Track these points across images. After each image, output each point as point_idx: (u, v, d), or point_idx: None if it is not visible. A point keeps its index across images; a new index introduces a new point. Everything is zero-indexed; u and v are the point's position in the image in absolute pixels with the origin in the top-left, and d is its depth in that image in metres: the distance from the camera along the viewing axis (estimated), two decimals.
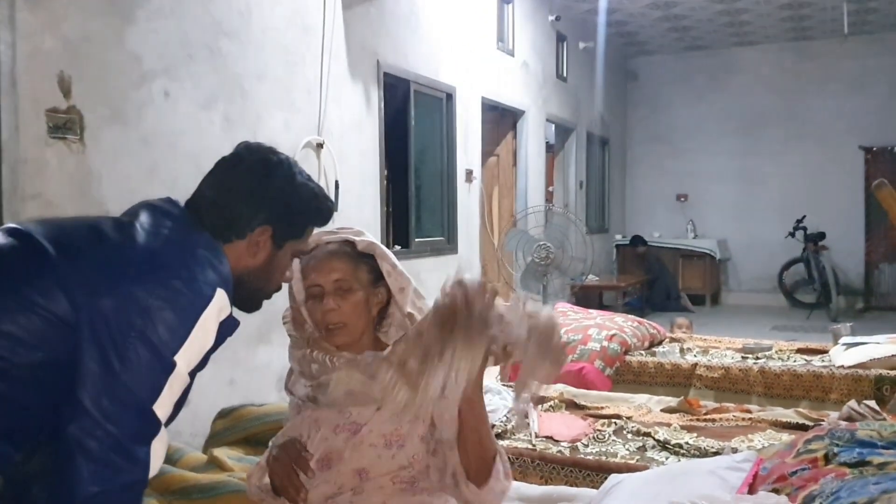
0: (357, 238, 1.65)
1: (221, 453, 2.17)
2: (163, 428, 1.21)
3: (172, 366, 1.20)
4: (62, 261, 1.21)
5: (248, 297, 1.44)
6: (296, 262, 1.59)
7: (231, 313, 1.32)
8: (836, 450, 1.55)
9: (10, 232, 1.26)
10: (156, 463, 1.20)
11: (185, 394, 1.28)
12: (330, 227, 1.62)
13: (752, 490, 1.67)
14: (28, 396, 1.17)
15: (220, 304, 1.27)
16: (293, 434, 1.65)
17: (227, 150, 1.49)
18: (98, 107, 2.94)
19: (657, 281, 9.59)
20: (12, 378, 1.15)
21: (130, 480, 1.16)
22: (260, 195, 1.40)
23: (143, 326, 1.17)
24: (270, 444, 1.68)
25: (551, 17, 7.86)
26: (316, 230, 1.59)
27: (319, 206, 1.49)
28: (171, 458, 2.19)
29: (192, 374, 1.26)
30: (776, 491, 1.54)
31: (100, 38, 2.95)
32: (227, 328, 1.31)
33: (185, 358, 1.22)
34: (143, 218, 1.32)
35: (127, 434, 1.15)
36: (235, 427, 2.37)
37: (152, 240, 1.28)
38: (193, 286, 1.24)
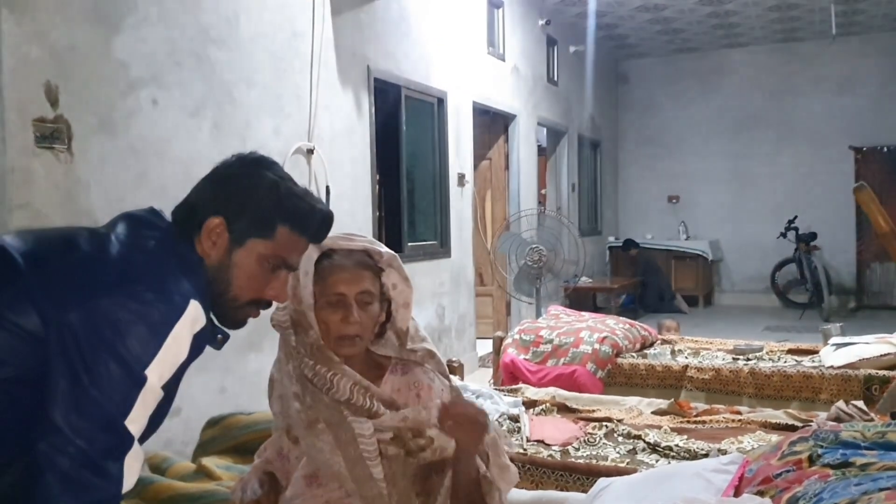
0: (380, 249, 1.63)
1: (210, 462, 2.17)
2: (136, 443, 1.18)
3: (143, 380, 1.16)
4: (32, 274, 1.18)
5: (218, 303, 1.35)
6: (308, 266, 1.54)
7: (208, 323, 1.29)
8: (819, 451, 1.56)
9: None
10: (129, 479, 1.17)
11: (164, 408, 1.25)
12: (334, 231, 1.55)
13: (737, 492, 1.68)
14: (0, 412, 1.15)
15: (193, 316, 1.23)
16: (282, 445, 1.66)
17: (216, 157, 1.45)
18: (85, 116, 2.94)
19: (650, 282, 9.61)
20: None
21: (102, 497, 1.13)
22: (214, 186, 1.36)
23: (112, 340, 1.14)
24: (256, 457, 1.67)
25: (541, 22, 7.88)
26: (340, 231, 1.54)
27: (296, 207, 1.36)
28: (159, 468, 2.19)
29: (167, 388, 1.23)
30: (761, 493, 1.55)
31: (87, 47, 2.95)
32: (202, 339, 1.28)
33: (157, 371, 1.18)
34: (119, 229, 1.29)
35: (98, 450, 1.12)
36: (225, 436, 2.36)
37: (125, 250, 1.25)
38: (165, 298, 1.20)
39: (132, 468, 1.17)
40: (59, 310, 1.15)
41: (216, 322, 1.35)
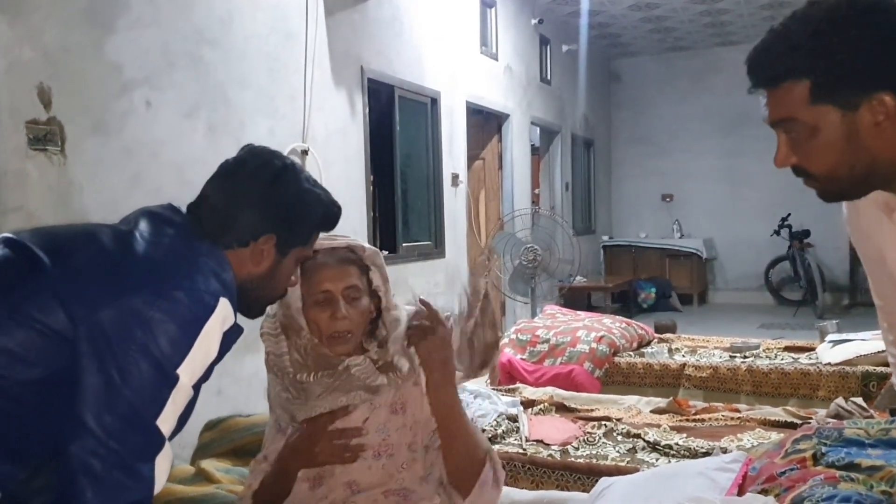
0: (363, 244, 1.63)
1: (209, 465, 2.15)
2: (167, 443, 1.17)
3: (175, 379, 1.15)
4: (59, 272, 1.16)
5: (251, 304, 1.40)
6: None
7: (235, 322, 1.28)
8: (823, 449, 1.55)
9: (5, 242, 1.21)
10: (161, 479, 1.16)
11: (191, 406, 1.24)
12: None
13: (741, 491, 1.67)
14: (28, 414, 1.13)
15: (223, 314, 1.23)
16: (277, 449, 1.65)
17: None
18: (79, 117, 2.92)
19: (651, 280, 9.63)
20: (11, 395, 1.11)
21: (135, 499, 1.12)
22: (264, 203, 1.36)
23: (144, 339, 1.13)
24: (251, 464, 1.65)
25: (534, 21, 7.88)
26: (334, 232, 1.56)
27: (326, 212, 1.44)
28: None
29: (197, 387, 1.23)
30: (765, 492, 1.55)
31: (80, 49, 2.93)
32: (231, 337, 1.27)
33: (189, 371, 1.17)
34: (143, 226, 1.28)
35: (130, 451, 1.11)
36: (223, 438, 2.34)
37: (152, 249, 1.24)
38: (195, 296, 1.19)
39: (163, 468, 1.16)
40: (89, 309, 1.13)
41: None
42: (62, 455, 1.09)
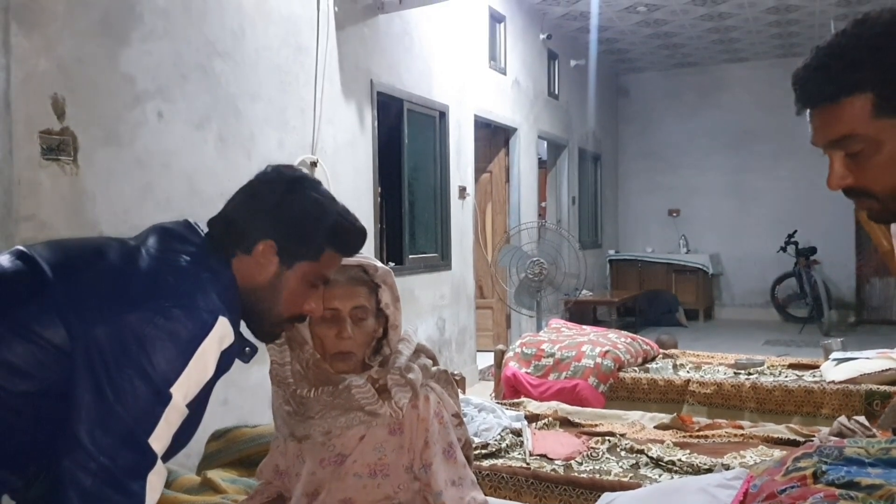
0: (375, 264, 1.62)
1: (215, 475, 2.17)
2: (159, 461, 1.17)
3: (168, 398, 1.15)
4: (62, 287, 1.17)
5: (257, 320, 1.38)
6: None
7: (237, 341, 1.27)
8: (824, 468, 1.56)
9: (17, 255, 1.23)
10: (152, 497, 1.15)
11: (190, 426, 1.24)
12: None
13: None
14: (25, 425, 1.14)
15: (221, 333, 1.22)
16: (278, 463, 1.67)
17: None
18: (91, 128, 2.96)
19: (658, 295, 9.63)
20: (9, 406, 1.13)
21: None
22: (269, 208, 1.36)
23: (138, 356, 1.13)
24: (255, 478, 1.67)
25: (543, 36, 7.93)
26: None
27: (340, 232, 1.40)
28: (165, 481, 2.19)
29: (194, 406, 1.22)
30: None
31: (93, 60, 2.97)
32: (230, 356, 1.26)
33: (183, 390, 1.17)
34: (151, 242, 1.28)
35: (121, 468, 1.11)
36: (229, 449, 2.36)
37: (154, 265, 1.24)
38: (193, 314, 1.19)
39: (154, 486, 1.16)
40: (86, 324, 1.14)
41: (245, 336, 1.35)
42: (55, 468, 1.10)
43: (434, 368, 1.69)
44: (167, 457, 1.21)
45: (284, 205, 1.36)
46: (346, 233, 1.42)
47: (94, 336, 1.13)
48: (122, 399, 1.12)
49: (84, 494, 1.09)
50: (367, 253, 1.67)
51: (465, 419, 1.78)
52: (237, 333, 1.29)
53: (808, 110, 1.09)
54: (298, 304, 1.40)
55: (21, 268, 1.21)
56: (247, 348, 1.35)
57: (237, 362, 1.36)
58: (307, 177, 1.44)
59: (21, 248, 1.26)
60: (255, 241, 1.33)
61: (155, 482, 1.16)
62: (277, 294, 1.36)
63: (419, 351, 1.69)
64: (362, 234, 1.46)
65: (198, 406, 1.24)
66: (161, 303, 1.18)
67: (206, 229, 1.38)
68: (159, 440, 1.16)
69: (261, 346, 1.50)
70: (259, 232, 1.34)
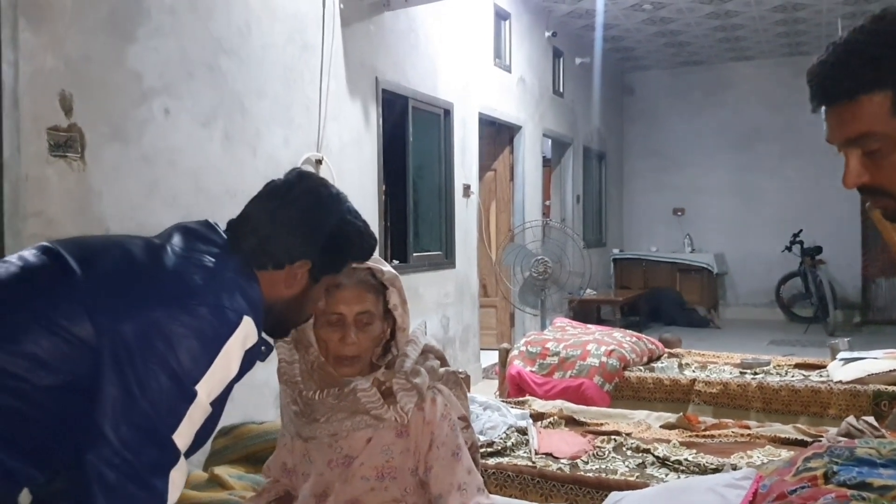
0: (382, 267, 1.62)
1: (222, 471, 2.17)
2: (182, 458, 1.17)
3: (193, 395, 1.16)
4: (88, 282, 1.18)
5: (276, 324, 1.41)
6: None
7: (258, 341, 1.28)
8: (835, 468, 1.56)
9: (43, 250, 1.23)
10: (174, 494, 1.16)
11: (210, 424, 1.24)
12: None
13: None
14: (49, 418, 1.14)
15: (245, 332, 1.23)
16: (285, 461, 1.66)
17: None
18: (99, 125, 2.96)
19: (665, 294, 9.62)
20: (33, 400, 1.13)
21: None
22: (305, 229, 1.37)
23: (165, 353, 1.14)
24: (262, 475, 1.67)
25: (548, 34, 7.91)
26: None
27: (363, 244, 1.47)
28: None
29: (216, 404, 1.22)
30: None
31: (101, 57, 2.97)
32: (253, 356, 1.27)
33: (207, 387, 1.18)
34: (176, 240, 1.29)
35: (145, 464, 1.12)
36: (236, 445, 2.36)
37: (181, 264, 1.25)
38: (219, 313, 1.20)
39: (177, 483, 1.16)
40: (113, 320, 1.14)
41: (264, 336, 1.36)
42: (79, 462, 1.10)
43: (442, 370, 1.68)
44: (187, 454, 1.21)
45: (321, 228, 1.39)
46: (368, 246, 1.49)
47: (120, 332, 1.14)
48: (147, 395, 1.12)
49: (108, 489, 1.09)
50: (382, 264, 1.66)
51: (470, 417, 1.77)
52: (260, 334, 1.29)
53: (824, 108, 1.07)
54: (313, 308, 1.48)
55: (46, 262, 1.21)
56: (263, 347, 1.35)
57: None
58: (338, 193, 1.46)
59: (46, 243, 1.26)
60: (291, 259, 1.37)
61: (177, 479, 1.16)
62: (304, 306, 1.43)
63: (427, 352, 1.68)
64: (375, 243, 1.52)
65: (219, 405, 1.25)
66: (187, 301, 1.19)
67: (225, 229, 1.39)
68: (182, 437, 1.16)
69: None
70: (296, 251, 1.37)
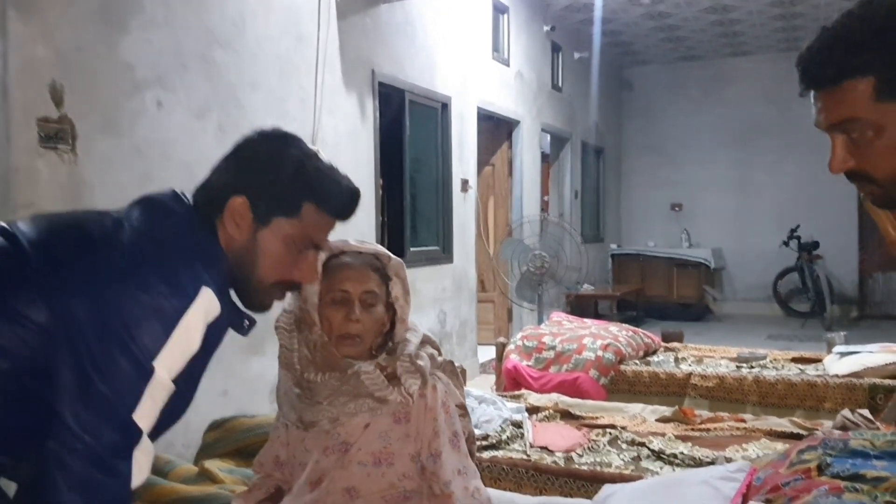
0: (388, 253, 1.63)
1: (213, 465, 2.15)
2: (145, 437, 1.13)
3: (150, 372, 1.11)
4: (42, 264, 1.14)
5: (243, 286, 1.32)
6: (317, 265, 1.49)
7: (223, 313, 1.22)
8: (828, 460, 1.54)
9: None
10: (139, 476, 1.12)
11: (179, 404, 1.21)
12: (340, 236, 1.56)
13: (745, 500, 1.66)
14: (12, 405, 1.12)
15: (205, 305, 1.17)
16: (278, 454, 1.65)
17: (220, 158, 1.43)
18: (90, 116, 2.93)
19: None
20: None
21: (111, 497, 1.10)
22: (237, 163, 1.31)
23: (118, 331, 1.10)
24: (253, 470, 1.66)
25: (546, 28, 7.89)
26: (343, 236, 1.51)
27: (319, 184, 1.31)
28: (161, 471, 2.17)
29: (182, 381, 1.18)
30: (769, 502, 1.54)
31: (92, 48, 2.94)
32: (219, 329, 1.22)
33: (167, 363, 1.13)
34: (135, 213, 1.25)
35: (106, 447, 1.08)
36: (227, 439, 2.35)
37: (136, 237, 1.20)
38: (175, 286, 1.15)
39: (141, 464, 1.13)
40: (66, 300, 1.11)
41: (242, 308, 1.31)
42: (41, 449, 1.07)
43: (440, 359, 1.68)
44: (155, 435, 1.18)
45: (255, 157, 1.31)
46: (329, 189, 1.33)
47: (73, 312, 1.10)
48: (103, 376, 1.09)
49: (70, 476, 1.06)
50: (389, 252, 1.66)
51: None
52: (226, 305, 1.24)
53: (812, 92, 1.07)
54: (284, 269, 1.32)
55: (4, 245, 1.18)
56: (245, 322, 1.31)
57: (237, 357, 1.33)
58: (289, 134, 1.37)
59: (2, 223, 1.22)
60: (225, 196, 1.28)
61: (142, 460, 1.13)
62: (256, 255, 1.30)
63: (424, 342, 1.68)
64: (350, 192, 1.37)
65: (186, 382, 1.20)
66: (141, 276, 1.15)
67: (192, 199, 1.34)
68: (144, 417, 1.12)
69: (262, 332, 1.46)
70: (230, 188, 1.28)
